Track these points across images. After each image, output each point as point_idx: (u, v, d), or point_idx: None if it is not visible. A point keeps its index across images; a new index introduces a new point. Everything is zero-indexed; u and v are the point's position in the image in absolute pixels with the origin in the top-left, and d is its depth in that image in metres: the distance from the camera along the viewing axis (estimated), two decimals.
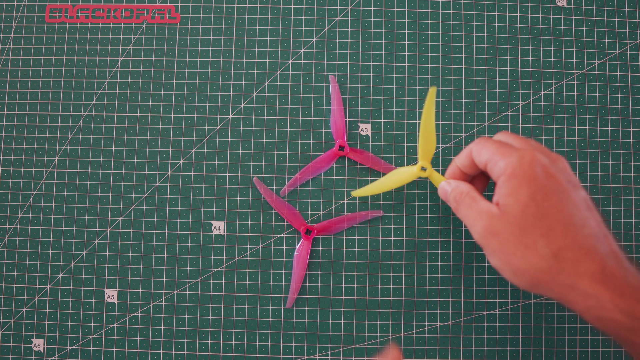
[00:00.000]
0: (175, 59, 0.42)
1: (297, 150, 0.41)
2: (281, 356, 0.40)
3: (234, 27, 0.43)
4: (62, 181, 0.41)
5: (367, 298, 0.40)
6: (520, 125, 0.41)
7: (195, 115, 0.42)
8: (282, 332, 0.40)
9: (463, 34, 0.42)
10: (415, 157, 0.41)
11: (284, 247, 0.41)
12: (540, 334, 0.40)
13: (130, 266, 0.41)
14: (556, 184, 0.30)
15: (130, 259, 0.41)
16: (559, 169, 0.31)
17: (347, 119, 0.41)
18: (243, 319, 0.40)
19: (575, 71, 0.42)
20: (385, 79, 0.42)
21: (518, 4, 0.43)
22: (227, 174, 0.41)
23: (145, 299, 0.40)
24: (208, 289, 0.40)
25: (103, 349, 0.40)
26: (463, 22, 0.42)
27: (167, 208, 0.41)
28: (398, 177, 0.39)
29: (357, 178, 0.41)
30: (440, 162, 0.41)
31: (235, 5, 0.43)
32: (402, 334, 0.40)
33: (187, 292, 0.40)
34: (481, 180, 0.37)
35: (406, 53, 0.42)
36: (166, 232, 0.41)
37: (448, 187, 0.35)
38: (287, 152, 0.41)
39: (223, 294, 0.40)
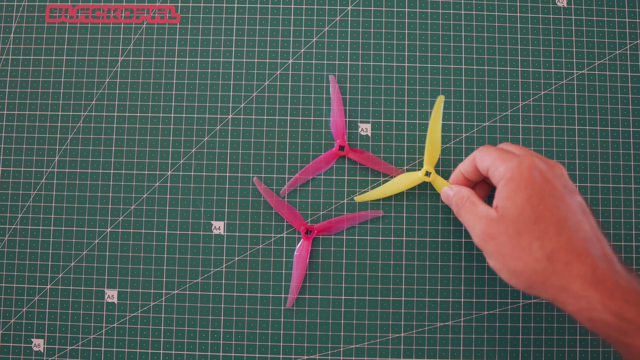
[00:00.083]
0: (175, 59, 0.42)
1: (297, 150, 0.41)
2: (281, 356, 0.40)
3: (234, 27, 0.43)
4: (62, 181, 0.41)
5: (367, 298, 0.40)
6: (520, 125, 0.41)
7: (195, 115, 0.42)
8: (282, 332, 0.40)
9: (463, 34, 0.42)
10: (415, 157, 0.41)
11: (284, 247, 0.41)
12: (540, 334, 0.40)
13: (130, 266, 0.41)
14: (552, 188, 0.31)
15: (130, 259, 0.41)
16: (556, 174, 0.32)
17: (347, 119, 0.41)
18: (243, 319, 0.40)
19: (575, 71, 0.42)
20: (385, 79, 0.42)
21: (518, 4, 0.43)
22: (227, 174, 0.41)
23: (145, 299, 0.40)
24: (208, 289, 0.40)
25: (103, 349, 0.40)
26: (463, 22, 0.42)
27: (167, 208, 0.41)
28: (402, 182, 0.40)
29: (357, 178, 0.41)
30: (441, 163, 0.41)
31: (235, 5, 0.43)
32: (402, 334, 0.40)
33: (187, 292, 0.40)
34: (483, 188, 0.38)
35: (406, 53, 0.42)
36: (166, 232, 0.41)
37: (450, 191, 0.37)
38: (287, 152, 0.41)
39: (223, 294, 0.40)
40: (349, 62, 0.42)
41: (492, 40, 0.42)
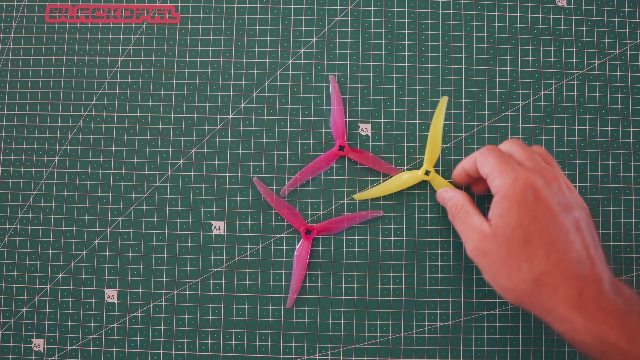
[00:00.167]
0: (175, 59, 0.42)
1: (297, 150, 0.41)
2: (281, 356, 0.40)
3: (234, 27, 0.43)
4: (62, 181, 0.41)
5: (367, 298, 0.40)
6: (520, 125, 0.41)
7: (195, 115, 0.42)
8: (282, 332, 0.40)
9: (463, 34, 0.42)
10: (415, 157, 0.41)
11: (284, 247, 0.41)
12: (540, 334, 0.40)
13: (130, 266, 0.41)
14: (545, 208, 0.31)
15: (130, 259, 0.41)
16: (552, 191, 0.32)
17: (347, 119, 0.41)
18: (243, 319, 0.40)
19: (575, 71, 0.42)
20: (385, 79, 0.42)
21: (518, 4, 0.43)
22: (227, 174, 0.41)
23: (145, 299, 0.40)
24: (208, 289, 0.40)
25: (103, 349, 0.40)
26: (463, 22, 0.42)
27: (167, 208, 0.41)
28: (401, 180, 0.40)
29: (357, 178, 0.41)
30: (440, 162, 0.41)
31: (235, 5, 0.43)
32: (402, 334, 0.40)
33: (187, 292, 0.40)
34: (484, 183, 0.38)
35: (406, 53, 0.42)
36: (166, 232, 0.41)
37: (446, 195, 0.38)
38: (287, 152, 0.41)
39: (223, 294, 0.40)
40: (349, 62, 0.42)
41: (492, 40, 0.42)
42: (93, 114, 0.42)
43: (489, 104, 0.42)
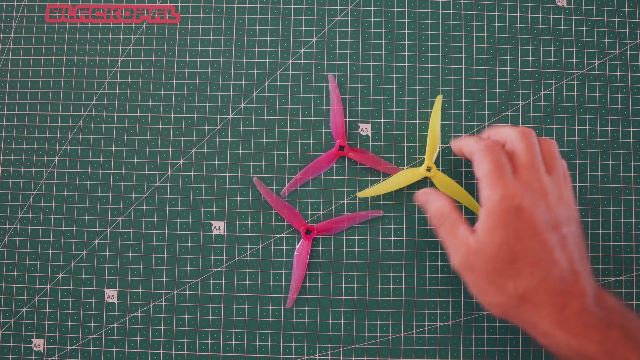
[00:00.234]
0: (175, 59, 0.42)
1: (297, 150, 0.41)
2: (281, 356, 0.40)
3: (234, 27, 0.43)
4: (62, 181, 0.41)
5: (367, 298, 0.40)
6: (521, 125, 0.41)
7: (195, 115, 0.42)
8: (282, 332, 0.40)
9: (463, 34, 0.42)
10: (415, 157, 0.41)
11: (284, 247, 0.41)
12: None
13: (130, 266, 0.41)
14: (530, 227, 0.32)
15: (130, 259, 0.41)
16: (539, 210, 0.32)
17: (347, 119, 0.41)
18: (243, 319, 0.40)
19: (575, 71, 0.42)
20: (385, 79, 0.42)
21: (518, 4, 0.43)
22: (227, 174, 0.41)
23: (145, 299, 0.40)
24: (208, 289, 0.40)
25: (103, 349, 0.40)
26: (463, 22, 0.42)
27: (167, 208, 0.41)
28: (403, 177, 0.40)
29: (357, 178, 0.41)
30: (440, 163, 0.41)
31: (235, 5, 0.43)
32: (402, 334, 0.40)
33: (187, 292, 0.40)
34: None
35: (406, 53, 0.42)
36: (166, 232, 0.41)
37: (429, 199, 0.37)
38: (287, 152, 0.41)
39: (223, 294, 0.40)
40: (349, 62, 0.42)
41: (492, 40, 0.42)
42: (93, 114, 0.42)
43: (489, 104, 0.42)
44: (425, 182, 0.41)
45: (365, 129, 0.41)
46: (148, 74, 0.42)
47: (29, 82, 0.42)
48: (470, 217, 0.40)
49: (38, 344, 0.40)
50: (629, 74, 0.42)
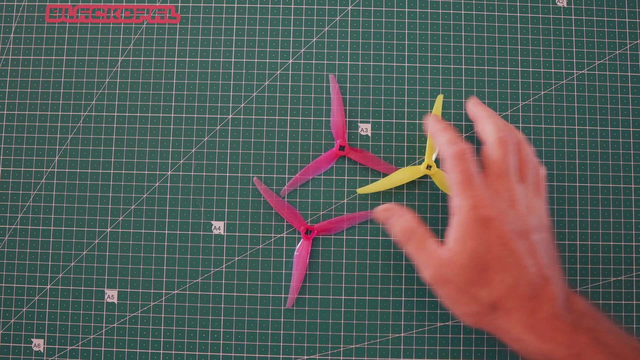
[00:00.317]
0: (175, 59, 0.42)
1: (297, 150, 0.41)
2: (281, 356, 0.40)
3: (234, 27, 0.43)
4: (62, 181, 0.41)
5: (367, 298, 0.40)
6: (520, 125, 0.41)
7: (195, 115, 0.42)
8: (282, 332, 0.40)
9: (463, 34, 0.42)
10: (415, 157, 0.41)
11: (284, 247, 0.41)
12: None
13: (130, 266, 0.41)
14: (499, 236, 0.32)
15: (130, 259, 0.41)
16: (508, 220, 0.33)
17: (347, 119, 0.41)
18: (243, 319, 0.40)
19: (575, 71, 0.42)
20: (385, 79, 0.42)
21: (518, 4, 0.43)
22: (227, 174, 0.41)
23: (145, 299, 0.40)
24: (208, 289, 0.40)
25: (103, 349, 0.40)
26: (463, 22, 0.42)
27: (167, 208, 0.41)
28: (404, 174, 0.40)
29: (357, 178, 0.41)
30: (440, 162, 0.41)
31: (235, 5, 0.43)
32: (402, 334, 0.40)
33: (187, 292, 0.40)
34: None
35: (406, 53, 0.42)
36: (166, 232, 0.41)
37: (392, 215, 0.37)
38: (287, 152, 0.41)
39: (223, 294, 0.40)
40: (349, 62, 0.42)
41: (492, 40, 0.42)
42: (93, 114, 0.42)
43: (489, 104, 0.42)
44: (424, 181, 0.41)
45: (365, 129, 0.41)
46: (148, 74, 0.42)
47: (29, 82, 0.42)
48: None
49: (38, 344, 0.40)
50: (629, 74, 0.42)
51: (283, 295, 0.40)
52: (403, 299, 0.40)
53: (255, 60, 0.42)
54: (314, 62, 0.42)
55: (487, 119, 0.36)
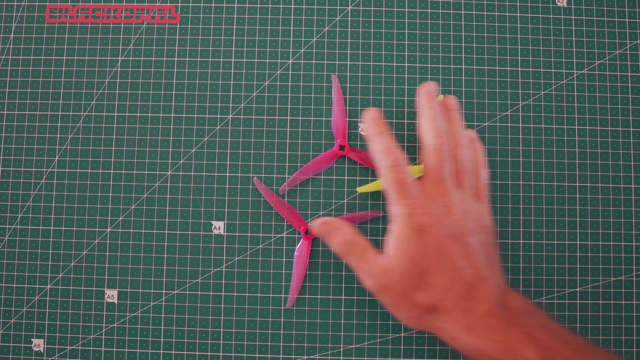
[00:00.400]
0: (175, 59, 0.42)
1: (297, 150, 0.41)
2: (281, 356, 0.40)
3: (234, 27, 0.43)
4: (62, 181, 0.41)
5: (367, 298, 0.40)
6: (520, 125, 0.41)
7: (195, 115, 0.42)
8: (282, 332, 0.40)
9: (463, 34, 0.42)
10: (415, 156, 0.41)
11: (284, 247, 0.41)
12: None
13: (130, 266, 0.41)
14: (434, 241, 0.34)
15: (130, 259, 0.41)
16: (443, 225, 0.34)
17: (347, 119, 0.41)
18: (243, 319, 0.40)
19: (575, 71, 0.42)
20: (385, 79, 0.42)
21: (518, 4, 0.43)
22: (227, 174, 0.41)
23: (145, 299, 0.40)
24: (208, 289, 0.40)
25: (103, 349, 0.40)
26: (463, 22, 0.42)
27: (167, 208, 0.41)
28: None
29: (357, 178, 0.41)
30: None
31: (235, 5, 0.43)
32: (402, 334, 0.40)
33: (187, 292, 0.40)
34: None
35: (406, 53, 0.42)
36: (166, 232, 0.41)
37: (328, 230, 0.37)
38: (287, 152, 0.41)
39: (223, 294, 0.40)
40: (349, 62, 0.42)
41: (492, 40, 0.42)
42: (93, 114, 0.42)
43: (489, 104, 0.42)
44: None
45: (365, 129, 0.41)
46: (148, 74, 0.42)
47: (29, 82, 0.42)
48: None
49: (38, 344, 0.40)
50: (629, 74, 0.42)
51: (283, 295, 0.40)
52: None
53: (255, 60, 0.42)
54: (314, 62, 0.42)
55: (428, 120, 0.37)
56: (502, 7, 0.43)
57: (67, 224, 0.41)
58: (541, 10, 0.42)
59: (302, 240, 0.40)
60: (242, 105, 0.42)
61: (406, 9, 0.43)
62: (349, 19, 0.42)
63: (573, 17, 0.42)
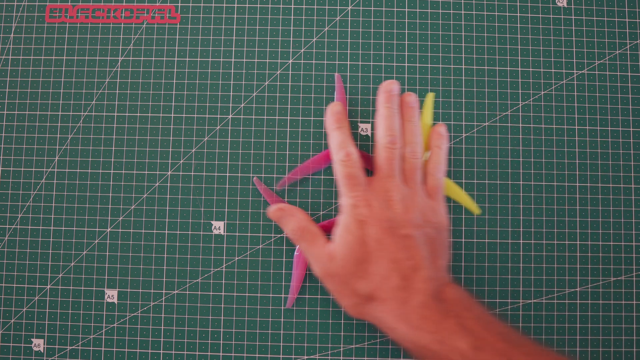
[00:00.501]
0: (175, 59, 0.42)
1: (297, 150, 0.41)
2: (281, 356, 0.40)
3: (234, 27, 0.43)
4: (62, 181, 0.41)
5: None
6: (520, 125, 0.41)
7: (195, 115, 0.42)
8: (282, 332, 0.40)
9: (463, 34, 0.42)
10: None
11: (284, 247, 0.41)
12: (540, 334, 0.40)
13: (130, 266, 0.41)
14: (374, 232, 0.35)
15: (130, 259, 0.41)
16: (384, 217, 0.36)
17: (349, 119, 0.41)
18: (243, 319, 0.40)
19: (575, 71, 0.42)
20: (385, 79, 0.42)
21: (518, 4, 0.43)
22: (227, 174, 0.41)
23: (145, 299, 0.40)
24: (208, 289, 0.40)
25: (103, 349, 0.40)
26: (463, 22, 0.42)
27: (167, 208, 0.41)
28: None
29: None
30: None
31: (235, 5, 0.43)
32: None
33: (187, 292, 0.40)
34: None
35: (406, 53, 0.42)
36: (166, 232, 0.41)
37: (282, 216, 0.39)
38: (287, 152, 0.41)
39: (223, 294, 0.40)
40: (349, 62, 0.42)
41: (492, 40, 0.42)
42: (93, 114, 0.42)
43: (489, 104, 0.42)
44: None
45: (365, 129, 0.41)
46: (148, 74, 0.42)
47: (29, 82, 0.42)
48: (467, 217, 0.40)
49: (38, 344, 0.40)
50: (629, 74, 0.42)
51: (283, 295, 0.40)
52: None
53: (255, 60, 0.42)
54: (314, 62, 0.42)
55: (382, 119, 0.38)
56: (502, 7, 0.43)
57: (67, 224, 0.41)
58: (541, 10, 0.42)
59: None
60: (242, 105, 0.42)
61: (406, 9, 0.43)
62: (349, 19, 0.42)
63: (573, 17, 0.42)
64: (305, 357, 0.40)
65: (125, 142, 0.42)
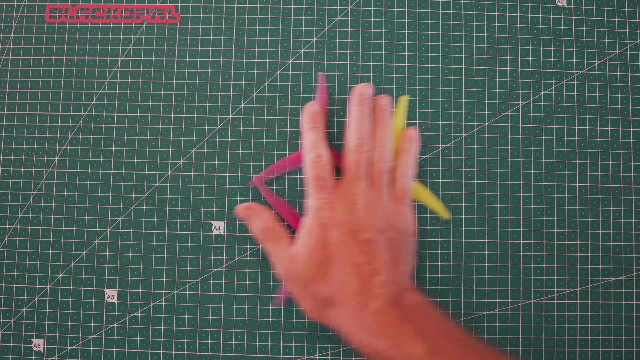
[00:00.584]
0: (175, 59, 0.42)
1: (297, 150, 0.41)
2: (281, 356, 0.40)
3: (234, 27, 0.43)
4: (62, 181, 0.41)
5: None
6: (520, 125, 0.41)
7: (195, 115, 0.42)
8: (282, 332, 0.40)
9: (463, 34, 0.42)
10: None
11: None
12: (540, 334, 0.40)
13: (130, 266, 0.41)
14: (337, 235, 0.35)
15: (130, 259, 0.41)
16: (348, 220, 0.35)
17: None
18: (243, 319, 0.40)
19: (575, 71, 0.42)
20: (385, 79, 0.42)
21: (518, 4, 0.43)
22: (227, 174, 0.41)
23: (145, 299, 0.40)
24: (208, 289, 0.40)
25: (103, 349, 0.40)
26: (463, 22, 0.42)
27: (167, 208, 0.41)
28: None
29: None
30: (441, 162, 0.41)
31: (235, 5, 0.43)
32: None
33: (187, 292, 0.40)
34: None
35: (406, 53, 0.42)
36: (166, 232, 0.41)
37: (250, 214, 0.39)
38: (287, 152, 0.41)
39: (223, 294, 0.40)
40: (349, 62, 0.42)
41: (492, 40, 0.42)
42: (93, 114, 0.42)
43: (489, 104, 0.42)
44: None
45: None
46: (148, 74, 0.42)
47: (29, 82, 0.42)
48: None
49: (38, 344, 0.40)
50: (629, 74, 0.42)
51: (283, 295, 0.40)
52: None
53: (255, 60, 0.42)
54: (314, 62, 0.42)
55: (352, 121, 0.38)
56: (502, 7, 0.43)
57: (67, 224, 0.41)
58: (541, 10, 0.42)
59: None
60: (242, 105, 0.42)
61: (406, 9, 0.43)
62: (349, 19, 0.42)
63: (573, 17, 0.42)
64: (305, 357, 0.40)
65: (125, 142, 0.42)
